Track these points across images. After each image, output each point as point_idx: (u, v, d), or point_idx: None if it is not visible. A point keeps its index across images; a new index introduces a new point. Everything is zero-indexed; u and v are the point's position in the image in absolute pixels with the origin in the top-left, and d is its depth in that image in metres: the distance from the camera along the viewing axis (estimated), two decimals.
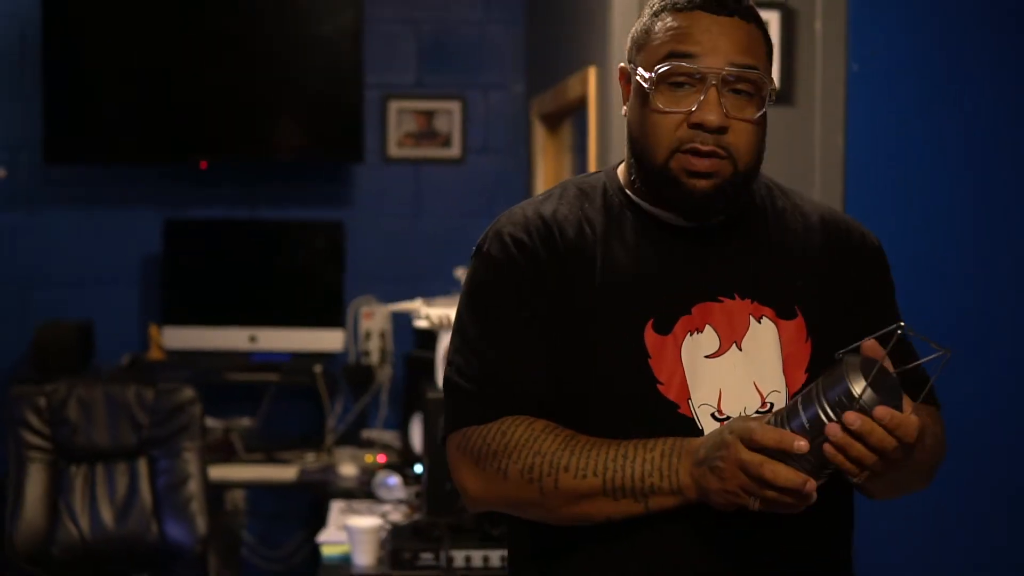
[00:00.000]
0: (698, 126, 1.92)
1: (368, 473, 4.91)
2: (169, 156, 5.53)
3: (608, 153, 4.09)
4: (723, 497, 1.81)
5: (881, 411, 1.75)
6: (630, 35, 2.05)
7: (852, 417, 1.74)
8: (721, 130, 1.92)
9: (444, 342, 4.21)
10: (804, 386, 1.90)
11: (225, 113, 5.46)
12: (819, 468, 1.77)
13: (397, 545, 3.80)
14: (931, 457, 2.05)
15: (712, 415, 1.95)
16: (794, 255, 2.07)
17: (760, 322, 2.01)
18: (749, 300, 2.01)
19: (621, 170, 2.11)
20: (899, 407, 1.77)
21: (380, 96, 5.68)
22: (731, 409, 1.96)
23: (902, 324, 1.84)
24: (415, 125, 5.76)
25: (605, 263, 2.00)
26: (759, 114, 1.95)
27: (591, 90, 4.28)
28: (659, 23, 1.97)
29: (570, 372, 1.97)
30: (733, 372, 1.98)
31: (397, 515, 4.19)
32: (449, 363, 2.03)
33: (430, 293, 4.85)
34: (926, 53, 3.99)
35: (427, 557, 3.76)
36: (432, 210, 5.83)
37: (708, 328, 1.99)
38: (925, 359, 1.87)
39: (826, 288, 2.06)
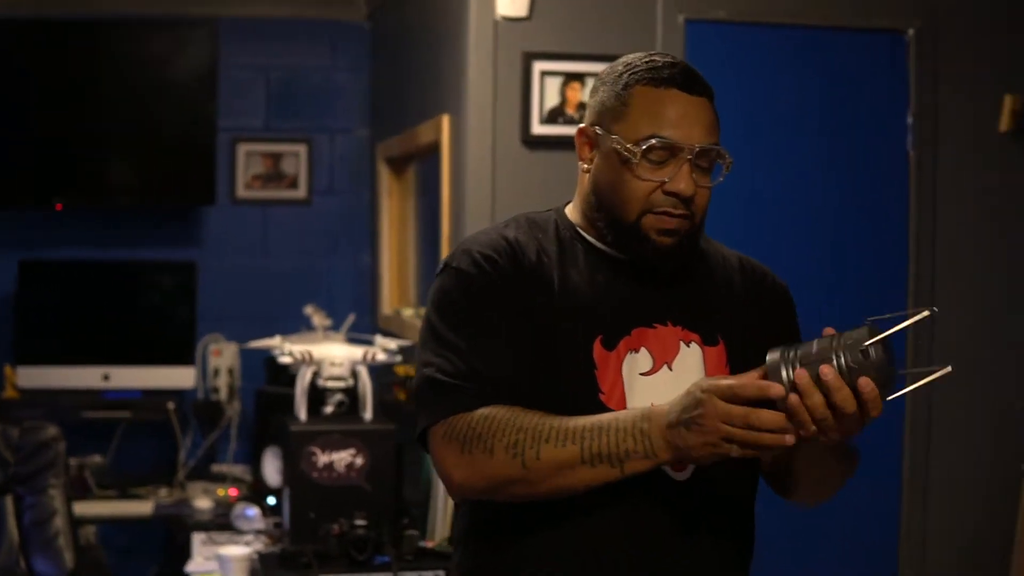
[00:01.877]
0: (673, 194, 2.18)
1: (222, 506, 5.02)
2: (25, 199, 5.57)
3: (462, 195, 4.30)
4: (703, 450, 2.02)
5: (864, 381, 1.95)
6: (598, 101, 2.27)
7: (827, 370, 1.96)
8: (691, 198, 2.19)
9: (305, 377, 4.37)
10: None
11: (81, 156, 5.53)
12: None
13: (267, 573, 3.94)
14: (846, 473, 2.32)
15: None
16: (718, 291, 2.35)
17: (689, 347, 2.27)
18: (680, 327, 2.27)
19: (570, 210, 2.35)
20: (889, 389, 1.98)
21: (229, 139, 5.81)
22: None
23: (935, 308, 2.08)
24: (263, 167, 5.90)
25: (562, 285, 2.24)
26: (714, 182, 2.24)
27: (445, 137, 4.48)
28: (635, 97, 2.21)
29: (527, 378, 2.19)
30: (664, 389, 2.21)
31: (259, 545, 4.30)
32: (427, 364, 2.21)
33: (279, 331, 4.96)
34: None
35: None
36: (280, 250, 5.97)
37: (644, 349, 2.24)
38: (930, 371, 2.03)
39: (743, 321, 2.34)
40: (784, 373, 1.97)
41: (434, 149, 4.68)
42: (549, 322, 2.21)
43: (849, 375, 1.95)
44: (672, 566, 2.21)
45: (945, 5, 4.57)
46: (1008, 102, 4.51)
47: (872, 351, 1.95)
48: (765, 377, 2.00)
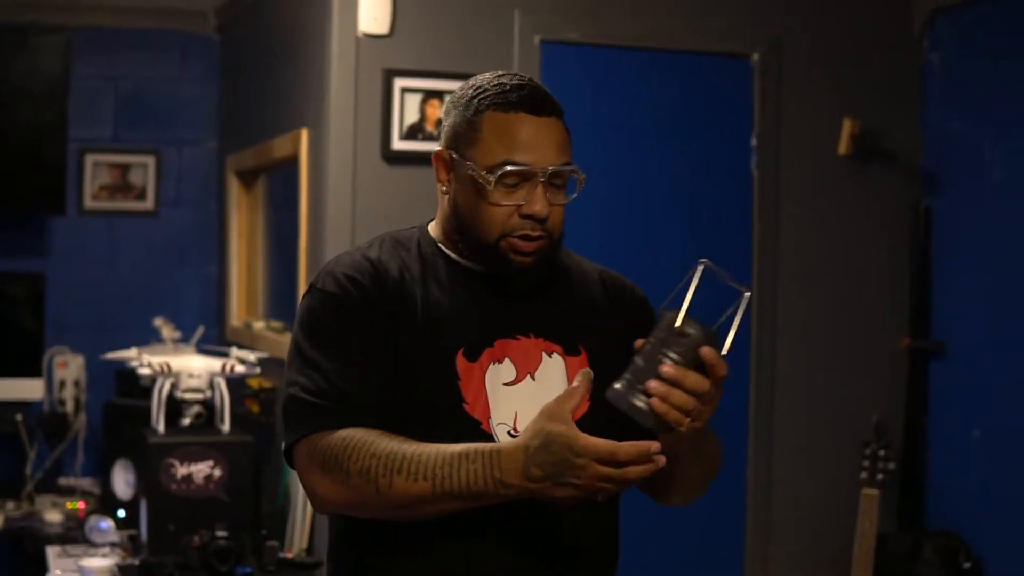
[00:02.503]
0: (529, 217, 2.24)
1: (72, 519, 4.98)
2: None
3: (322, 209, 4.34)
4: (571, 500, 2.08)
5: (705, 350, 2.07)
6: (451, 125, 2.32)
7: (668, 368, 2.06)
8: (546, 219, 2.26)
9: (164, 388, 4.38)
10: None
11: None
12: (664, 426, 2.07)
13: None
14: (714, 461, 2.42)
15: (508, 432, 2.27)
16: (579, 303, 2.42)
17: (551, 357, 2.34)
18: (542, 339, 2.34)
19: (432, 228, 2.41)
20: (720, 347, 2.09)
21: (77, 149, 5.77)
22: (524, 428, 2.24)
23: (704, 260, 2.18)
24: (110, 178, 5.86)
25: (425, 300, 2.29)
26: (568, 199, 2.30)
27: (303, 151, 4.52)
28: (486, 123, 2.26)
29: (393, 392, 2.24)
30: (527, 398, 2.29)
31: (114, 557, 4.28)
32: (292, 383, 2.25)
33: (126, 343, 4.97)
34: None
35: None
36: (127, 262, 5.94)
37: (507, 360, 2.30)
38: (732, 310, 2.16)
39: (605, 332, 2.41)
40: (635, 400, 2.05)
41: (291, 162, 4.70)
42: (413, 337, 2.26)
43: (685, 360, 2.06)
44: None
45: (789, 33, 4.75)
46: (847, 126, 4.70)
47: (686, 329, 2.06)
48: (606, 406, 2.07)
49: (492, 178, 2.23)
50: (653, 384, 2.06)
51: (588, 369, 2.12)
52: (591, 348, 2.38)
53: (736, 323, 2.13)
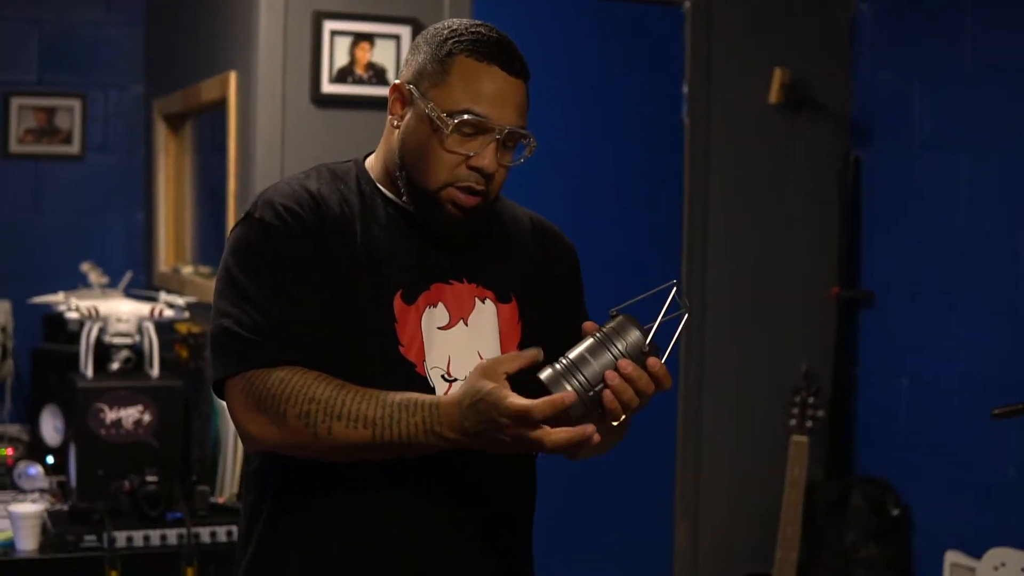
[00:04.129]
0: (476, 170, 2.22)
1: (0, 466, 4.93)
2: None
3: (251, 153, 4.30)
4: (511, 451, 2.09)
5: (652, 361, 2.10)
6: (416, 60, 2.28)
7: (625, 364, 2.07)
8: (493, 175, 2.25)
9: (92, 333, 4.33)
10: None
11: None
12: (589, 411, 2.08)
13: (59, 529, 3.90)
14: (623, 432, 2.42)
15: (442, 376, 2.27)
16: (512, 250, 2.42)
17: (484, 303, 2.34)
18: (475, 284, 2.34)
19: (370, 163, 2.37)
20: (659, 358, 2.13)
21: (2, 93, 5.69)
22: (459, 373, 2.28)
23: (676, 281, 2.21)
24: (35, 122, 5.79)
25: (364, 238, 2.26)
26: (514, 162, 2.29)
27: (232, 94, 4.47)
28: (456, 67, 2.23)
29: (328, 330, 2.21)
30: (460, 343, 2.30)
31: (44, 503, 4.22)
32: (225, 315, 2.20)
33: (53, 288, 4.92)
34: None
35: (90, 539, 3.88)
36: (53, 206, 5.87)
37: (441, 304, 2.30)
38: (669, 316, 2.18)
39: (534, 279, 2.42)
40: (568, 384, 2.05)
41: (219, 106, 4.65)
42: (351, 275, 2.23)
43: (638, 362, 2.09)
44: (466, 523, 2.29)
45: None
46: (778, 75, 4.72)
47: (650, 347, 2.10)
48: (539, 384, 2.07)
49: (451, 122, 2.21)
50: (612, 377, 2.06)
51: (540, 351, 2.11)
52: (521, 296, 2.39)
53: (673, 341, 2.17)
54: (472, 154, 2.22)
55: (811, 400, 4.62)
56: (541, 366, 2.09)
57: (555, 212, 4.44)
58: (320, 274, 2.22)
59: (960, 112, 4.54)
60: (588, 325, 2.15)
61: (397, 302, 2.25)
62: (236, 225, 2.29)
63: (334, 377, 2.16)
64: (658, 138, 4.76)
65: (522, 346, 2.35)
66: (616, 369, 2.07)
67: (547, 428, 2.03)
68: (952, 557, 4.36)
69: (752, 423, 4.86)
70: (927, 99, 4.64)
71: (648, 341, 2.10)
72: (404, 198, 2.30)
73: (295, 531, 2.27)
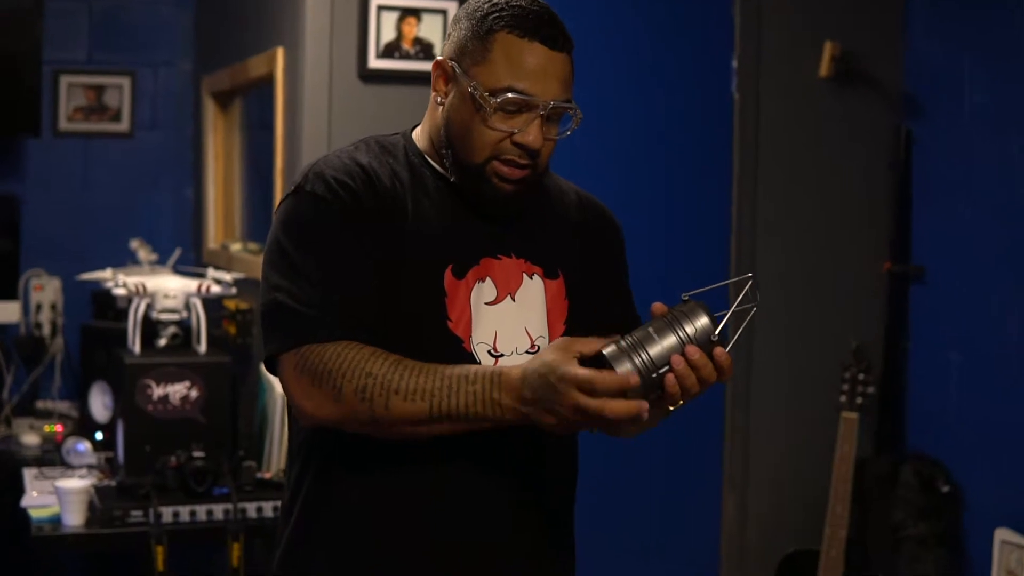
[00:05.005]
0: (521, 146, 2.20)
1: (49, 442, 4.97)
2: None
3: (298, 130, 4.30)
4: (559, 428, 2.07)
5: (719, 351, 2.07)
6: (457, 36, 2.25)
7: (693, 350, 2.04)
8: (539, 151, 2.22)
9: (140, 309, 4.34)
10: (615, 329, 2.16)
11: None
12: (648, 391, 2.05)
13: (106, 504, 3.91)
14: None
15: (488, 352, 2.25)
16: (559, 225, 2.40)
17: (531, 279, 2.33)
18: (523, 260, 2.32)
19: (417, 135, 2.35)
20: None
21: (51, 71, 5.69)
22: (505, 348, 2.27)
23: (751, 275, 2.19)
24: (85, 100, 5.80)
25: (415, 211, 2.24)
26: (560, 134, 2.26)
27: (279, 70, 4.47)
28: (497, 43, 2.20)
29: (380, 304, 2.19)
30: (507, 318, 2.28)
31: (92, 479, 4.24)
32: (277, 288, 2.18)
33: (102, 265, 4.93)
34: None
35: (136, 515, 3.90)
36: (102, 184, 5.88)
37: (489, 279, 2.28)
38: (739, 308, 2.16)
39: (581, 256, 2.40)
40: (632, 361, 2.03)
41: (267, 82, 4.65)
42: (402, 248, 2.21)
43: (705, 349, 2.07)
44: (507, 503, 2.29)
45: None
46: (828, 48, 4.67)
47: (718, 336, 2.07)
48: (602, 363, 2.03)
49: (494, 101, 2.19)
50: (679, 361, 2.04)
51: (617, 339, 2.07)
52: (568, 272, 2.37)
53: (738, 333, 2.14)
54: (516, 131, 2.20)
55: (861, 376, 4.57)
56: (605, 342, 2.07)
57: (603, 188, 4.43)
58: (372, 248, 2.20)
59: (1012, 83, 4.47)
60: (657, 306, 2.12)
61: (448, 276, 2.24)
62: (285, 198, 2.27)
63: (390, 353, 2.14)
64: (707, 113, 4.73)
65: (569, 322, 2.35)
66: (683, 354, 2.05)
67: (607, 399, 2.00)
68: (1002, 535, 4.31)
69: (802, 399, 4.82)
70: (979, 71, 4.58)
71: (718, 330, 2.07)
72: (451, 175, 2.28)
73: (336, 506, 2.27)
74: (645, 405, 2.01)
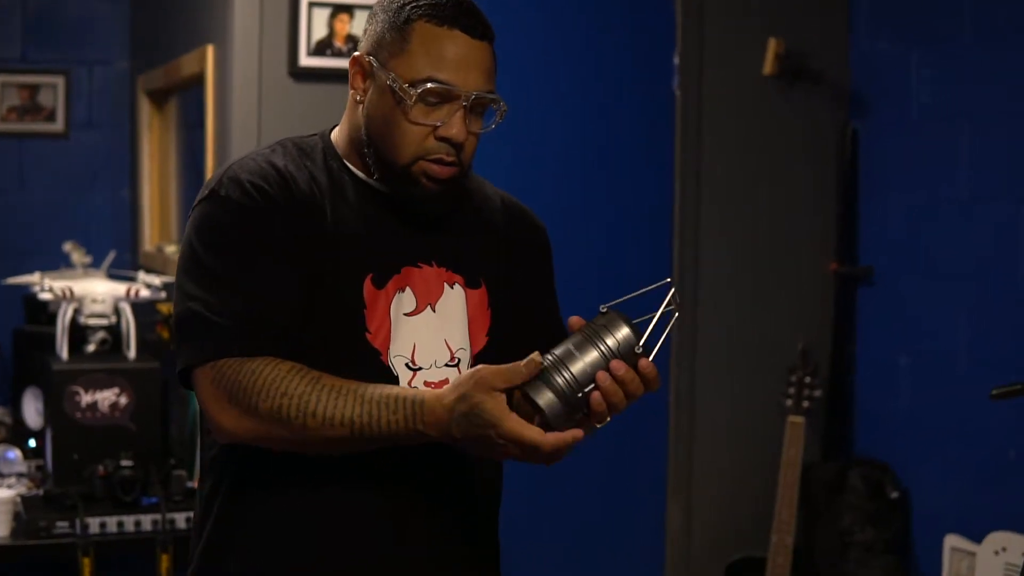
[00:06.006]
0: (445, 140, 2.12)
1: None
2: None
3: (228, 129, 4.21)
4: (492, 457, 2.04)
5: (644, 362, 2.00)
6: (374, 30, 2.17)
7: (618, 365, 1.97)
8: (463, 145, 2.14)
9: (67, 314, 4.24)
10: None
11: None
12: (574, 412, 1.98)
13: (32, 515, 3.83)
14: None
15: (406, 365, 2.17)
16: (482, 233, 2.32)
17: (452, 288, 2.24)
18: (444, 268, 2.23)
19: (336, 136, 2.26)
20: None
21: None
22: (423, 361, 2.19)
23: (670, 280, 2.10)
24: (19, 99, 5.70)
25: (333, 218, 2.15)
26: (484, 128, 2.18)
27: (209, 68, 4.37)
28: (415, 34, 2.12)
29: (300, 315, 2.11)
30: (427, 330, 2.20)
31: (21, 488, 4.16)
32: (191, 297, 2.09)
33: (37, 268, 4.83)
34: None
35: (62, 526, 3.82)
36: (36, 185, 5.77)
37: (409, 289, 2.19)
38: (658, 314, 2.07)
39: (505, 264, 2.32)
40: (553, 383, 1.97)
41: (198, 81, 4.56)
42: (320, 257, 2.13)
43: (629, 362, 2.00)
44: (427, 516, 2.22)
45: None
46: (772, 45, 4.60)
47: (641, 347, 2.00)
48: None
49: (414, 92, 2.10)
50: (604, 378, 1.97)
51: (536, 357, 1.99)
52: (491, 281, 2.29)
53: (661, 341, 2.05)
54: (439, 124, 2.11)
55: (808, 379, 4.52)
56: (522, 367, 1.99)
57: (541, 188, 4.39)
58: (290, 256, 2.11)
59: (960, 81, 4.42)
60: (575, 320, 2.05)
61: (367, 287, 2.16)
62: (199, 203, 2.18)
63: (309, 368, 2.07)
64: (648, 110, 4.64)
65: (491, 334, 2.28)
66: (607, 370, 1.98)
67: (542, 434, 1.96)
68: (952, 541, 4.26)
69: (747, 403, 4.75)
70: (926, 68, 4.52)
71: (642, 341, 1.99)
72: (375, 176, 2.19)
73: (250, 523, 2.19)
74: (581, 434, 1.97)
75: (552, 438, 1.95)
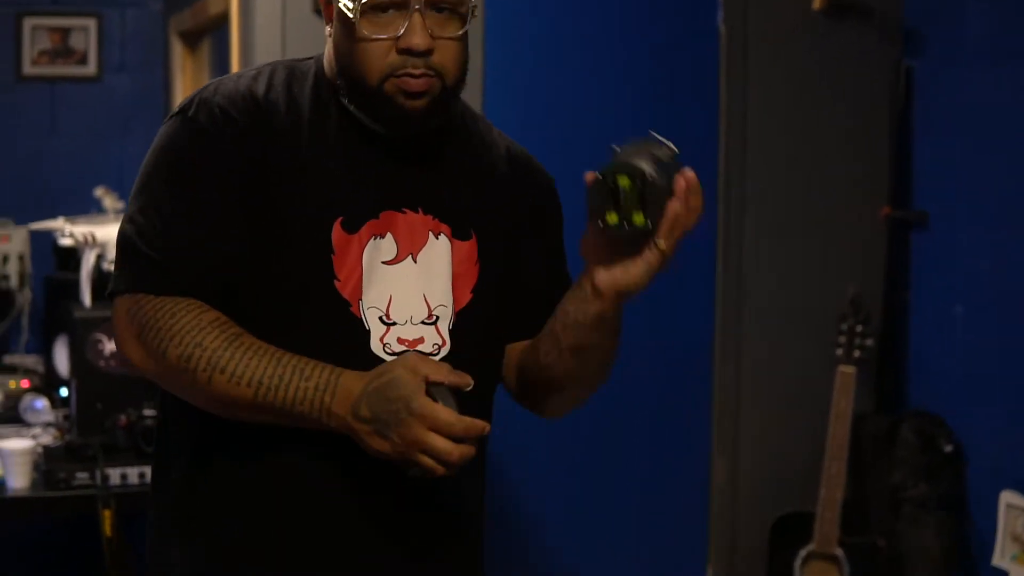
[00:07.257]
0: (407, 51, 1.96)
1: (14, 398, 4.80)
2: None
3: (251, 66, 4.10)
4: (382, 456, 1.88)
5: (689, 172, 1.94)
6: None
7: (689, 171, 1.92)
8: (428, 52, 1.97)
9: (89, 260, 4.16)
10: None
11: None
12: (667, 190, 1.91)
13: (51, 466, 3.78)
14: (607, 363, 2.16)
15: (380, 318, 2.03)
16: (478, 180, 2.16)
17: (438, 238, 2.09)
18: (431, 216, 2.08)
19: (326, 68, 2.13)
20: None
21: (12, 13, 5.50)
22: (398, 316, 2.04)
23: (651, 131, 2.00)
24: (49, 43, 5.61)
25: (309, 152, 2.02)
26: (462, 31, 2.01)
27: (233, 7, 4.28)
28: None
29: (254, 256, 1.99)
30: (405, 281, 2.05)
31: (47, 438, 4.13)
32: (130, 220, 2.00)
33: (70, 213, 4.77)
34: None
35: (82, 476, 3.76)
36: (68, 129, 5.68)
37: (389, 235, 2.05)
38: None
39: (503, 217, 2.16)
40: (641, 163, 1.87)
41: (224, 20, 4.48)
42: (285, 195, 2.01)
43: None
44: (393, 496, 2.06)
45: None
46: None
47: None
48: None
49: (356, 7, 1.95)
50: (690, 175, 1.91)
51: (471, 381, 1.89)
52: (483, 233, 2.13)
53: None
54: (399, 34, 1.95)
55: (859, 328, 4.38)
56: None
57: (584, 125, 4.28)
58: (247, 193, 1.98)
59: (1022, 13, 4.23)
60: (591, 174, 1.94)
61: (336, 230, 2.01)
62: (168, 119, 2.07)
63: (233, 323, 1.95)
64: (692, 48, 4.49)
65: (477, 290, 2.11)
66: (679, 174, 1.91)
67: (455, 444, 1.85)
68: (1008, 498, 4.13)
69: (796, 352, 4.60)
70: (985, 2, 4.34)
71: (676, 158, 1.93)
72: (352, 106, 2.04)
73: (211, 496, 2.08)
74: (487, 427, 1.88)
75: (466, 421, 1.84)
